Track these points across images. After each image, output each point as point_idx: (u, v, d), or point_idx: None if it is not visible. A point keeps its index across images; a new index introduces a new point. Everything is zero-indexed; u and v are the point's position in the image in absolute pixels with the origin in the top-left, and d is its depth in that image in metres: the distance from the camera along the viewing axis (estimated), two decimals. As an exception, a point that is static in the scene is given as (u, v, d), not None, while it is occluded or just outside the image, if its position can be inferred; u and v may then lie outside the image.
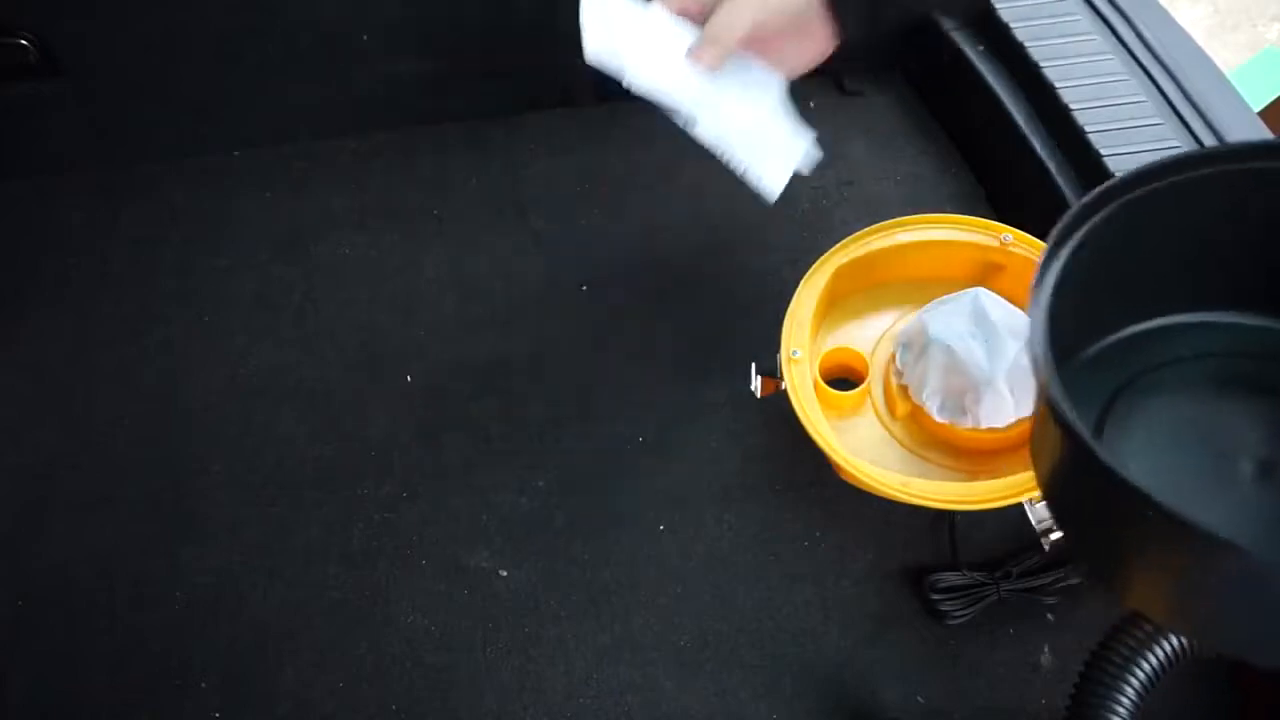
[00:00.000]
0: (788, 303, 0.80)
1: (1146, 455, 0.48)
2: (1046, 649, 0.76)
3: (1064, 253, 0.45)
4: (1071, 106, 0.94)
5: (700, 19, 0.71)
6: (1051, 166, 0.95)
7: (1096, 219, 0.45)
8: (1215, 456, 0.47)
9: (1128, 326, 0.52)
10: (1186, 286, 0.52)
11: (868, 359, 0.82)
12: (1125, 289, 0.51)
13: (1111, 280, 0.49)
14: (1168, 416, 0.50)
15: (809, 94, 1.19)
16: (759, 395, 0.79)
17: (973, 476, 0.76)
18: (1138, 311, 0.52)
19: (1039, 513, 0.71)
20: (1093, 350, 0.51)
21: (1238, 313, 0.51)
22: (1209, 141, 0.88)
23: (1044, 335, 0.41)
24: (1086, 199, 0.46)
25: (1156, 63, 0.96)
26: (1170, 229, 0.47)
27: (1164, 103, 0.93)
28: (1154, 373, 0.51)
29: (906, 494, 0.70)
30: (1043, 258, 0.44)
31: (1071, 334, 0.49)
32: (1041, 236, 0.79)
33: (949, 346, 0.72)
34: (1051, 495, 0.44)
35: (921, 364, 0.75)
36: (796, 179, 1.10)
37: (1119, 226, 0.46)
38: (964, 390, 0.73)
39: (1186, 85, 0.93)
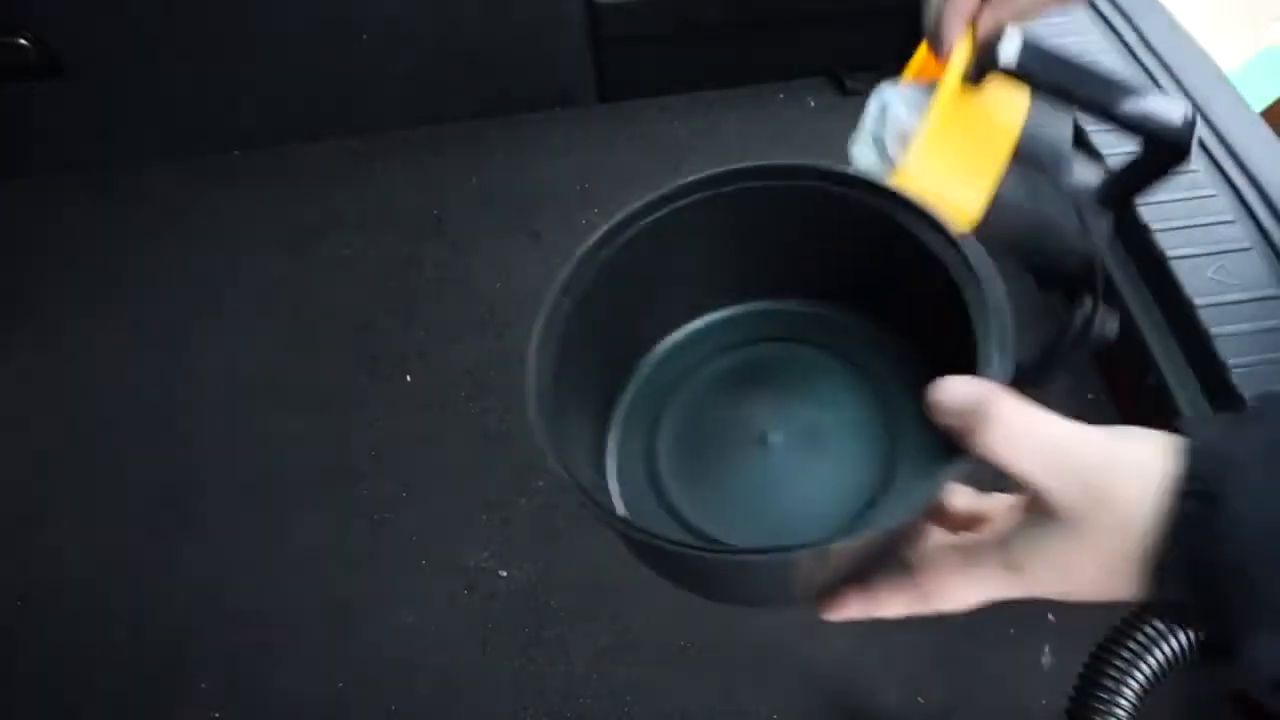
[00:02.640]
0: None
1: (685, 460, 0.53)
2: (1046, 649, 0.76)
3: (567, 302, 0.49)
4: (1072, 106, 0.94)
5: None
6: (1052, 166, 0.94)
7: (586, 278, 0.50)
8: (737, 442, 0.53)
9: (661, 341, 0.57)
10: (695, 292, 0.57)
11: None
12: (647, 311, 0.56)
13: (630, 310, 0.54)
14: (700, 415, 0.55)
15: (809, 94, 1.20)
16: None
17: None
18: (666, 326, 0.57)
19: None
20: (641, 374, 0.57)
21: (759, 301, 0.57)
22: (1212, 144, 0.88)
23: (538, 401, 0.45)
24: (581, 252, 0.49)
25: (1157, 62, 0.96)
26: (679, 249, 0.53)
27: (1164, 102, 0.93)
28: (689, 377, 0.56)
29: None
30: (543, 319, 0.48)
31: (604, 372, 0.55)
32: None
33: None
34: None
35: None
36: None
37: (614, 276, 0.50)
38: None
39: (1187, 85, 0.93)
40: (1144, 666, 0.58)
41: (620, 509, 0.52)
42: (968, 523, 0.44)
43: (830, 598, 0.43)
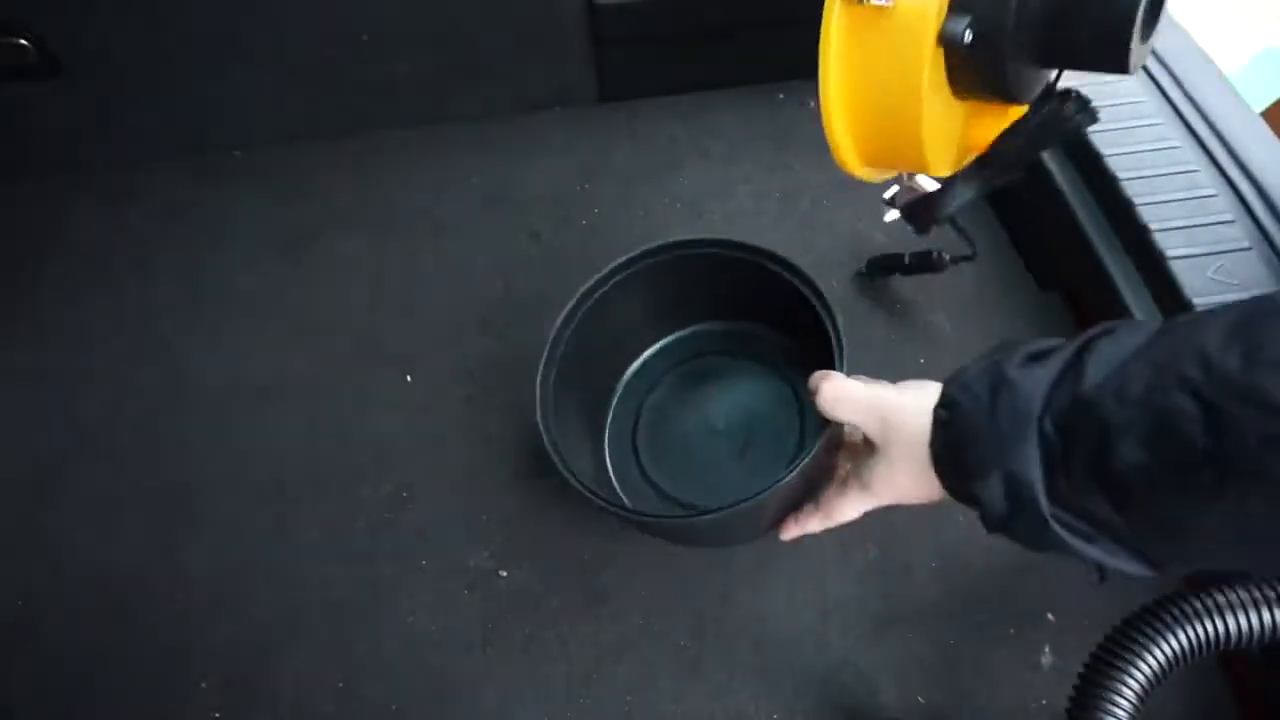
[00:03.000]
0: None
1: (659, 446, 0.79)
2: (1047, 649, 0.76)
3: (556, 358, 0.72)
4: (1072, 106, 0.93)
5: None
6: (1053, 166, 0.95)
7: (576, 321, 0.73)
8: (695, 430, 0.79)
9: (635, 358, 0.84)
10: (651, 328, 0.83)
11: None
12: (622, 341, 0.82)
13: (610, 342, 0.79)
14: (666, 412, 0.80)
15: (809, 94, 1.20)
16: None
17: None
18: (637, 348, 0.84)
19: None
20: (622, 384, 0.83)
21: (703, 325, 0.84)
22: (1212, 144, 0.88)
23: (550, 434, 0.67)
24: (569, 307, 0.73)
25: (1157, 63, 0.96)
26: (639, 297, 0.77)
27: (1165, 103, 0.93)
28: (658, 383, 0.83)
29: None
30: (540, 373, 0.70)
31: (589, 398, 0.79)
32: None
33: None
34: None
35: None
36: (796, 178, 1.11)
37: (597, 314, 0.74)
38: None
39: (1187, 85, 0.93)
40: (1144, 666, 0.58)
41: (617, 489, 0.77)
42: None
43: (779, 525, 0.63)
